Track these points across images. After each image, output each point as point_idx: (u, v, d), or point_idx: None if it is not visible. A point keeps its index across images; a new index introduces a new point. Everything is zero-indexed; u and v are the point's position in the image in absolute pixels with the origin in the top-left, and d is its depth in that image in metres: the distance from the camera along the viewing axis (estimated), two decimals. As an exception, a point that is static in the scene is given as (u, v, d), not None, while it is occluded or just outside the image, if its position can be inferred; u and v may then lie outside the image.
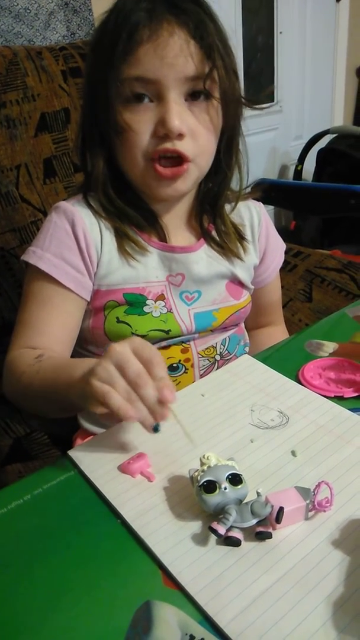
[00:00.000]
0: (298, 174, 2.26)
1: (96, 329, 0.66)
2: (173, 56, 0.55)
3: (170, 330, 0.66)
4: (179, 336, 0.67)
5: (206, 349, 0.70)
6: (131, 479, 0.46)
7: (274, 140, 2.40)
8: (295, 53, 2.36)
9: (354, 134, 2.06)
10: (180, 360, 0.69)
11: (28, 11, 1.36)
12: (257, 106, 0.68)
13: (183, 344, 0.69)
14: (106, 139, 0.62)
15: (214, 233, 0.70)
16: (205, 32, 0.56)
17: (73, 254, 0.63)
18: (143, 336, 0.64)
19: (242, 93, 0.64)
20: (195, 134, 0.59)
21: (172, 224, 0.68)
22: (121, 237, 0.65)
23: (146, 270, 0.66)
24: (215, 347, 0.71)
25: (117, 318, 0.65)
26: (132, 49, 0.56)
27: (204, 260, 0.68)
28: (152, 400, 0.45)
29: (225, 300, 0.70)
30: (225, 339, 0.72)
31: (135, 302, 0.65)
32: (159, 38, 0.55)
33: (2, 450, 0.79)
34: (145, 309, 0.65)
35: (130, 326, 0.64)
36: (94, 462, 0.48)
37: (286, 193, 2.01)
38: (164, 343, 0.68)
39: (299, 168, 2.25)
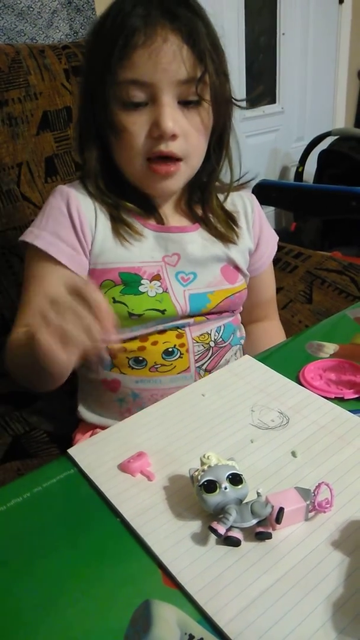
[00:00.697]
0: (299, 175, 2.26)
1: None
2: (167, 62, 0.58)
3: (165, 310, 0.67)
4: (174, 317, 0.69)
5: (201, 335, 0.71)
6: (131, 478, 0.45)
7: (275, 142, 2.41)
8: (297, 54, 2.36)
9: (355, 136, 2.06)
10: (175, 345, 0.70)
11: (31, 9, 1.36)
12: (247, 106, 0.71)
13: (178, 329, 0.70)
14: (102, 136, 0.65)
15: (205, 218, 0.73)
16: (197, 37, 0.59)
17: (68, 232, 0.65)
18: (139, 315, 0.66)
19: (234, 93, 0.68)
20: (187, 135, 0.62)
21: (168, 209, 0.72)
22: (116, 221, 0.67)
23: (141, 250, 0.68)
24: (210, 334, 0.72)
25: (114, 298, 0.66)
26: (128, 54, 0.58)
27: (198, 242, 0.71)
28: (92, 326, 0.42)
29: (220, 283, 0.72)
30: (220, 326, 0.73)
31: (130, 282, 0.66)
32: (154, 44, 0.58)
33: (0, 448, 0.79)
34: (141, 288, 0.67)
35: (126, 305, 0.66)
36: (94, 461, 0.47)
37: (287, 194, 2.01)
38: (160, 327, 0.69)
39: (300, 170, 2.25)
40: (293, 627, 0.34)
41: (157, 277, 0.68)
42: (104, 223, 0.67)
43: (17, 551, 0.40)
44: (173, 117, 0.60)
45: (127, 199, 0.68)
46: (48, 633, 0.34)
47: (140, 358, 0.69)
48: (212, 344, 0.72)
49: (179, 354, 0.70)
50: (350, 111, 2.71)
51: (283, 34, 2.25)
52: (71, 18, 1.45)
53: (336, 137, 2.16)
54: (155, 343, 0.69)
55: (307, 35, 2.37)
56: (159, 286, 0.68)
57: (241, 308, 0.80)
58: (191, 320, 0.70)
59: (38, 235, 0.65)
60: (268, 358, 0.64)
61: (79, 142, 0.68)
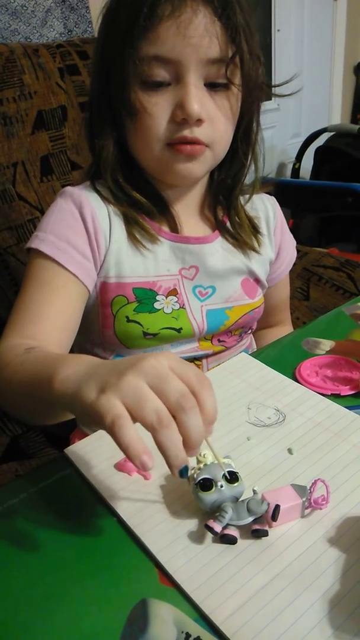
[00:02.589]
0: (296, 172, 2.26)
1: (106, 330, 0.64)
2: (196, 36, 0.51)
3: (182, 328, 0.63)
4: (190, 337, 0.65)
5: (217, 365, 0.67)
6: (127, 477, 0.45)
7: (272, 139, 2.40)
8: (292, 51, 2.35)
9: (351, 132, 2.06)
10: None
11: (25, 8, 1.36)
12: (280, 93, 0.62)
13: (195, 362, 0.67)
14: (117, 120, 0.58)
15: (228, 225, 0.67)
16: (232, 11, 0.52)
17: (79, 238, 0.59)
18: (154, 335, 0.62)
19: (265, 78, 0.61)
20: (213, 120, 0.56)
21: (184, 213, 0.65)
22: (130, 224, 0.61)
23: (156, 262, 0.63)
24: None
25: (127, 317, 0.62)
26: (152, 25, 0.51)
27: (219, 252, 0.66)
28: (197, 430, 0.34)
29: (240, 298, 0.68)
30: (236, 355, 0.71)
31: (144, 298, 0.62)
32: (182, 15, 0.51)
33: (-2, 449, 0.79)
34: (156, 305, 0.62)
35: (141, 325, 0.62)
36: (91, 460, 0.47)
37: (284, 191, 2.01)
38: (176, 353, 0.65)
39: (296, 166, 2.25)
40: (289, 625, 0.34)
41: (173, 292, 0.63)
42: (119, 230, 0.61)
43: (14, 551, 0.40)
44: (200, 100, 0.54)
45: (141, 195, 0.61)
46: (45, 633, 0.34)
47: None
48: None
49: None
50: (347, 107, 2.71)
51: (278, 30, 2.24)
52: (65, 17, 1.44)
53: (332, 133, 2.16)
54: None
55: (302, 31, 2.36)
56: (176, 302, 0.63)
57: (256, 324, 0.75)
58: (210, 351, 0.66)
59: (44, 240, 0.58)
60: (264, 355, 0.64)
61: (90, 128, 0.61)
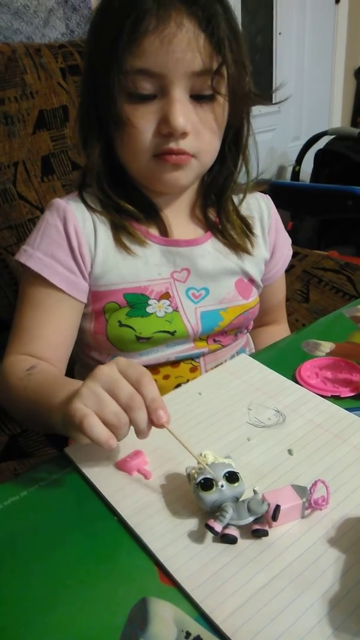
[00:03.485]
0: (296, 175, 2.27)
1: (99, 334, 0.64)
2: (180, 50, 0.52)
3: (175, 331, 0.64)
4: (184, 339, 0.65)
5: (215, 366, 0.68)
6: (128, 477, 0.46)
7: (272, 141, 2.41)
8: (294, 54, 2.36)
9: (351, 136, 2.06)
10: (188, 380, 0.66)
11: (27, 8, 1.36)
12: (266, 102, 0.65)
13: (192, 362, 0.67)
14: (105, 130, 0.60)
15: (220, 226, 0.68)
16: (216, 24, 0.53)
17: (64, 253, 0.61)
18: (147, 339, 0.63)
19: (252, 86, 0.61)
20: (199, 132, 0.57)
21: (175, 217, 0.66)
22: (117, 230, 0.62)
23: (147, 266, 0.63)
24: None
25: (120, 322, 0.62)
26: (137, 39, 0.52)
27: (210, 254, 0.66)
28: (143, 424, 0.43)
29: (234, 299, 0.68)
30: (234, 355, 0.71)
31: (136, 303, 0.63)
32: (166, 29, 0.52)
33: (-3, 448, 0.79)
34: (148, 309, 0.63)
35: (133, 329, 0.62)
36: (91, 459, 0.47)
37: (284, 193, 2.01)
38: (172, 357, 0.66)
39: (296, 169, 2.26)
40: (290, 624, 0.34)
41: (166, 296, 0.64)
42: (105, 238, 0.62)
43: (14, 550, 0.40)
44: (184, 113, 0.55)
45: (129, 203, 0.63)
46: (45, 631, 0.34)
47: None
48: None
49: None
50: (347, 110, 2.71)
51: (279, 33, 2.24)
52: (67, 17, 1.44)
53: (333, 137, 2.16)
54: (167, 377, 0.66)
55: (303, 34, 2.37)
56: (169, 305, 0.64)
57: (252, 324, 0.76)
58: (206, 349, 0.67)
59: (32, 256, 0.61)
60: (264, 357, 0.64)
61: (81, 137, 0.63)
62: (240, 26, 0.58)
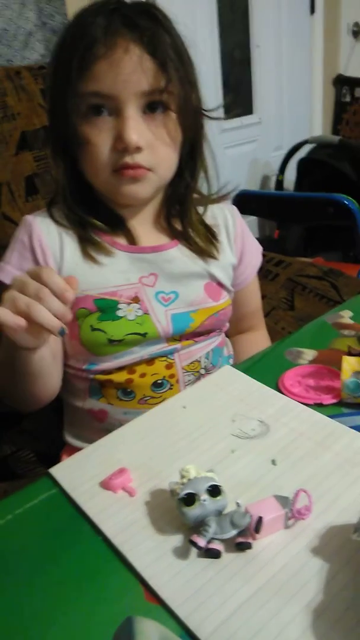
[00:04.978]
0: (279, 184, 2.29)
1: (72, 340, 0.67)
2: (127, 73, 0.57)
3: (146, 333, 0.66)
4: (156, 340, 0.67)
5: (191, 363, 0.70)
6: (113, 495, 0.46)
7: (255, 152, 2.43)
8: (272, 65, 2.39)
9: (332, 143, 2.09)
10: (165, 377, 0.69)
11: (6, 31, 1.38)
12: (219, 117, 0.70)
13: (167, 358, 0.69)
14: (69, 150, 0.64)
15: (185, 234, 0.71)
16: (159, 46, 0.58)
17: (30, 265, 0.65)
18: (119, 341, 0.65)
19: (204, 103, 0.66)
20: (153, 146, 0.61)
21: (141, 227, 0.69)
22: (83, 242, 0.66)
23: (114, 274, 0.66)
24: (200, 361, 0.71)
25: (91, 326, 0.65)
26: (88, 65, 0.57)
27: (177, 259, 0.69)
28: (56, 306, 0.49)
29: (203, 301, 0.70)
30: (209, 352, 0.72)
31: (106, 308, 0.65)
32: (114, 54, 0.57)
33: (-13, 470, 0.78)
34: (119, 313, 0.66)
35: (105, 332, 0.65)
36: (76, 480, 0.47)
37: (267, 203, 2.03)
38: (146, 355, 0.67)
39: (280, 178, 2.28)
40: (274, 636, 0.34)
41: (135, 300, 0.66)
42: (72, 250, 0.66)
43: (-1, 574, 0.40)
44: (137, 129, 0.59)
45: (95, 216, 0.67)
46: (30, 656, 0.34)
47: (129, 390, 0.68)
48: (202, 371, 0.71)
49: (168, 385, 0.69)
50: (327, 119, 2.75)
51: (257, 46, 2.28)
52: (47, 39, 1.46)
53: (314, 145, 2.19)
54: (143, 375, 0.68)
55: (280, 46, 2.40)
56: (139, 308, 0.66)
57: (227, 325, 0.78)
58: (178, 345, 0.69)
59: (3, 269, 0.66)
60: (249, 367, 0.64)
61: (52, 157, 0.66)
62: (187, 47, 0.63)
